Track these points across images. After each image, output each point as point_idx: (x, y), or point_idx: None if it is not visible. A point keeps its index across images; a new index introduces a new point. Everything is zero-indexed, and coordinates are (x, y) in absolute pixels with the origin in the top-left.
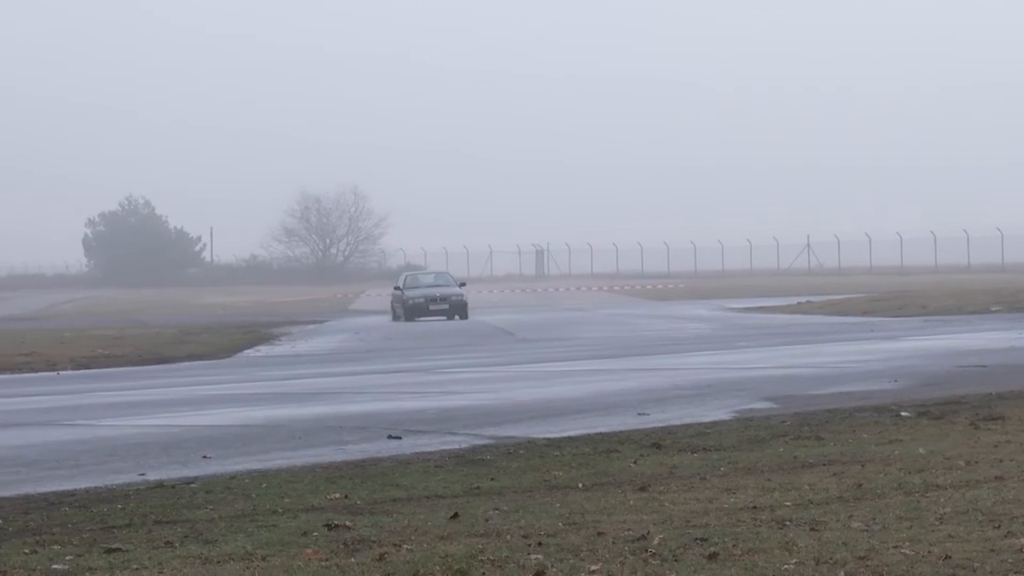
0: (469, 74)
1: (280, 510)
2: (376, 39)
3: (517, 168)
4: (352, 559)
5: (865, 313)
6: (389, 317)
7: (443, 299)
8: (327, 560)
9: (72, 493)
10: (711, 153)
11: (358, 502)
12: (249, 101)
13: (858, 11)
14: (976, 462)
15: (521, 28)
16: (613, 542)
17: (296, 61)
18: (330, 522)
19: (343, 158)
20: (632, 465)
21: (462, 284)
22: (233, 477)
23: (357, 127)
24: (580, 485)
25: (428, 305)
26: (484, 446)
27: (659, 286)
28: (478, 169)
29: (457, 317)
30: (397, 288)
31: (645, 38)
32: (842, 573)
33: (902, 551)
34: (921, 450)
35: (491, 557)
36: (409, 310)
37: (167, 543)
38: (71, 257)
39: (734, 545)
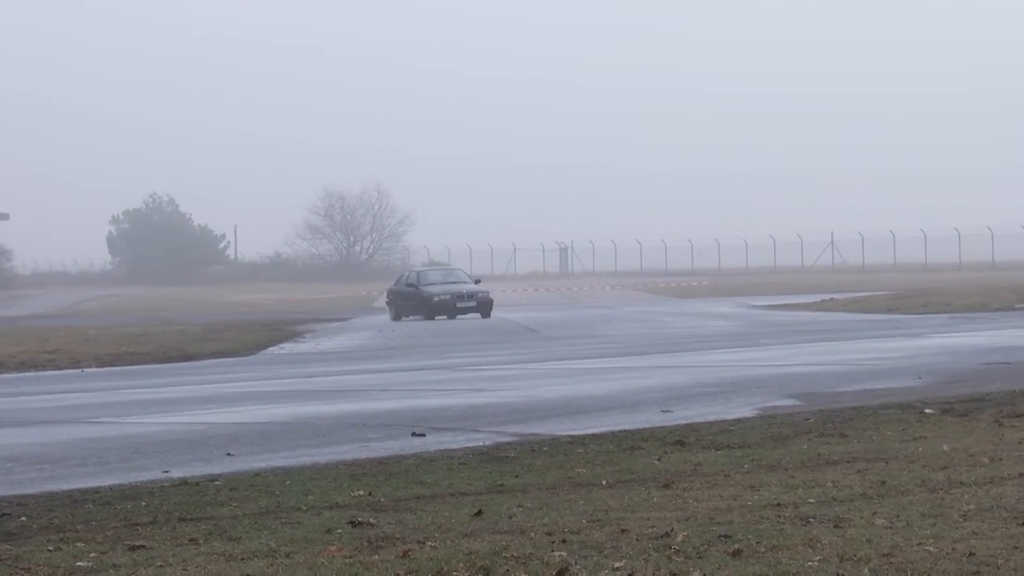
0: (492, 80)
1: (304, 507)
2: (397, 44)
3: (541, 167)
4: (376, 556)
5: (889, 310)
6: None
7: (470, 296)
8: (351, 557)
9: (96, 490)
10: (734, 153)
11: (382, 499)
12: (274, 103)
13: (882, 15)
14: (1000, 459)
15: (542, 35)
16: (637, 539)
17: (322, 67)
18: (354, 519)
19: (366, 157)
20: (656, 462)
21: (477, 281)
22: (257, 474)
23: (380, 128)
24: (604, 482)
25: (456, 303)
26: (508, 443)
27: (683, 283)
28: (501, 168)
29: (479, 315)
30: (411, 285)
31: (664, 46)
32: (866, 570)
33: (926, 548)
34: (945, 447)
35: (515, 554)
36: (433, 308)
37: (191, 540)
38: (95, 255)
39: (758, 542)
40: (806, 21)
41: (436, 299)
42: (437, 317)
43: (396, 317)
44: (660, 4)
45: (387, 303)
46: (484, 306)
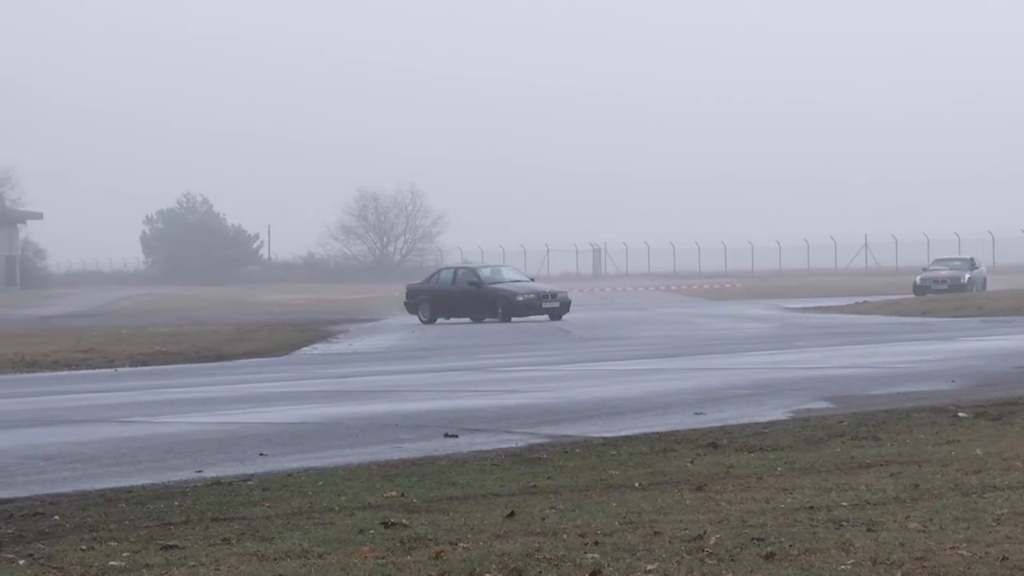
0: (526, 85)
1: (337, 508)
2: (433, 52)
3: (574, 172)
4: (408, 557)
5: (923, 313)
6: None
7: (553, 296)
8: (383, 558)
9: (129, 490)
10: (767, 157)
11: (415, 500)
12: (311, 106)
13: (902, 22)
14: None
15: (575, 43)
16: (670, 541)
17: (358, 73)
18: (387, 520)
19: (401, 159)
20: (689, 464)
21: (532, 279)
22: (290, 475)
23: (414, 131)
24: (637, 484)
25: (541, 302)
26: (541, 445)
27: (716, 286)
28: (535, 171)
29: (557, 317)
30: (473, 283)
31: (696, 55)
32: (899, 574)
33: (959, 552)
34: (979, 451)
35: (547, 556)
36: (512, 308)
37: (224, 540)
38: (129, 254)
39: (791, 545)
40: (832, 31)
41: (520, 298)
42: (515, 319)
43: (430, 319)
44: (697, 16)
45: (411, 304)
46: (565, 306)
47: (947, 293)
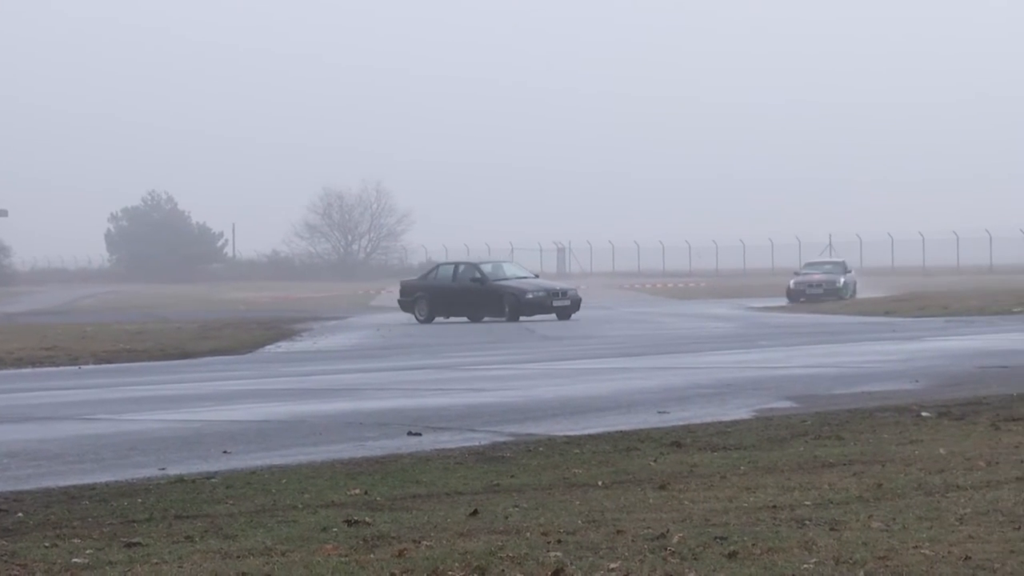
0: (491, 84)
1: (300, 506)
2: (396, 51)
3: (538, 170)
4: (371, 555)
5: (887, 313)
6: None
7: (563, 293)
8: (346, 556)
9: (93, 487)
10: (732, 158)
11: (378, 498)
12: (275, 107)
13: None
14: (997, 463)
15: (540, 41)
16: (632, 540)
17: (323, 74)
18: (350, 518)
19: (366, 159)
20: (652, 463)
21: (536, 276)
22: (253, 472)
23: (379, 131)
24: (600, 483)
25: (552, 300)
26: (504, 443)
27: (681, 284)
28: (500, 171)
29: (566, 317)
30: (476, 280)
31: (660, 54)
32: (862, 573)
33: (922, 551)
34: (942, 450)
35: (510, 554)
36: (521, 307)
37: (187, 537)
38: (94, 252)
39: (753, 544)
40: (807, 31)
41: (529, 296)
42: (523, 318)
43: (427, 318)
44: (656, 12)
45: (406, 302)
46: (576, 304)
47: (823, 298)
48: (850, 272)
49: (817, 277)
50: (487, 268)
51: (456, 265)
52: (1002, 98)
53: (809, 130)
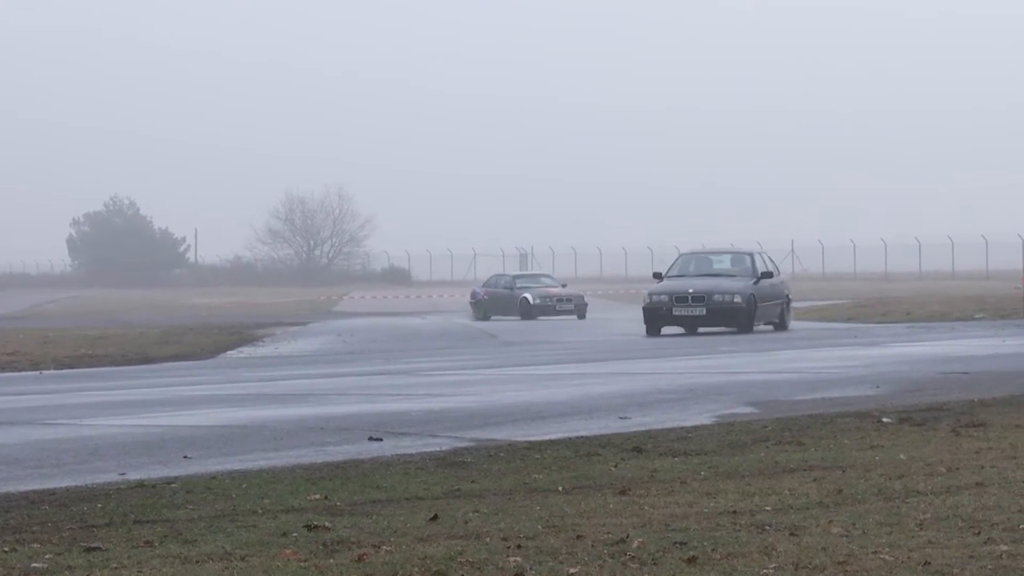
0: (457, 94)
1: (260, 511)
2: (359, 58)
3: (501, 177)
4: (331, 560)
5: (849, 319)
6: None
7: (568, 300)
8: (306, 561)
9: (52, 492)
10: (698, 166)
11: (338, 503)
12: (235, 110)
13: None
14: (957, 468)
15: (504, 51)
16: (592, 545)
17: (287, 79)
18: (310, 523)
19: (328, 165)
20: (613, 469)
21: (564, 284)
22: (214, 477)
23: (342, 137)
24: (560, 488)
25: (555, 306)
26: (465, 448)
27: (643, 290)
28: (461, 177)
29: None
30: (507, 288)
31: (634, 61)
32: None
33: (881, 557)
34: (902, 456)
35: (470, 559)
36: (529, 310)
37: (147, 542)
38: (56, 257)
39: (713, 549)
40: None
41: (536, 301)
42: (541, 318)
43: (483, 317)
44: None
45: (473, 303)
46: (581, 310)
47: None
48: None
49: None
50: (519, 278)
51: (501, 276)
52: (979, 114)
53: (778, 138)
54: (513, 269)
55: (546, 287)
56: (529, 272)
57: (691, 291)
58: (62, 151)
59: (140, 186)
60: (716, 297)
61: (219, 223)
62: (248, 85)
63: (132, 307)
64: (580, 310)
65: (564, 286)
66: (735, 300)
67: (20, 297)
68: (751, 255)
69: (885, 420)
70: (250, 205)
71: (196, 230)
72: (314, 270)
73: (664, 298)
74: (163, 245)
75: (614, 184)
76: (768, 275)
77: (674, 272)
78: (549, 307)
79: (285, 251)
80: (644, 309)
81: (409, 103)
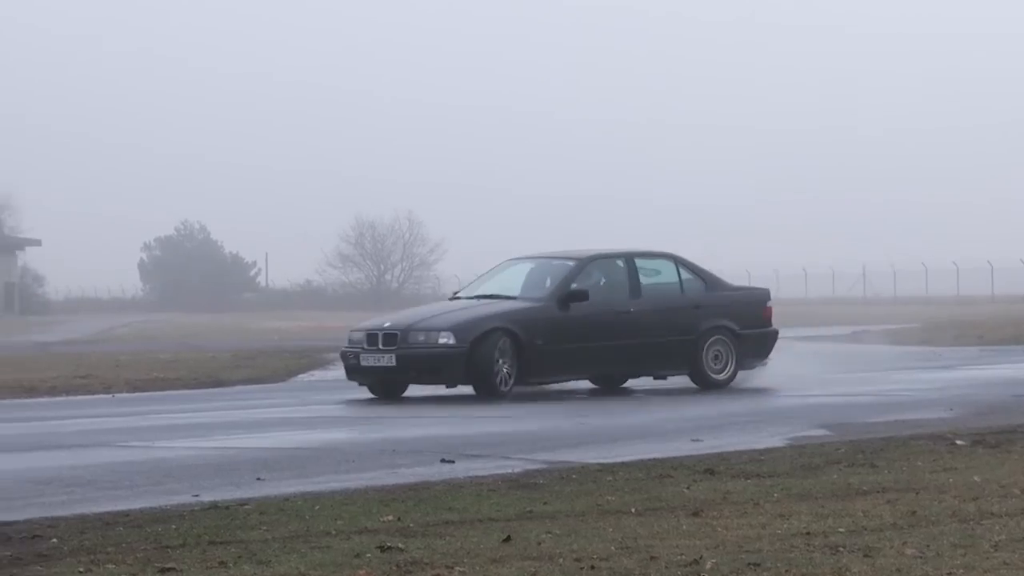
0: (527, 113)
1: (333, 531)
2: (427, 82)
3: (576, 196)
4: None
5: (921, 342)
6: None
7: None
8: None
9: (127, 513)
10: (771, 183)
11: (411, 524)
12: (304, 133)
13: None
14: None
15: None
16: (666, 566)
17: (359, 103)
18: (383, 544)
19: (395, 186)
20: (685, 490)
21: None
22: (287, 499)
23: (412, 160)
24: (633, 510)
25: None
26: (537, 470)
27: None
28: (532, 198)
29: None
30: None
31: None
32: None
33: None
34: (976, 478)
35: None
36: None
37: (221, 563)
38: (127, 281)
39: (787, 570)
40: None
41: None
42: None
43: None
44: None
45: None
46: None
47: None
48: None
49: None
50: None
51: None
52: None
53: (842, 157)
54: None
55: None
56: None
57: (387, 326)
58: (133, 175)
59: (211, 210)
60: (414, 336)
61: (289, 248)
62: (317, 108)
63: (203, 331)
64: None
65: None
66: (439, 341)
67: (92, 321)
68: (591, 259)
69: (959, 442)
70: (320, 229)
71: (267, 254)
72: (384, 294)
73: (360, 336)
74: (234, 269)
75: (679, 206)
76: (582, 295)
77: (473, 290)
78: None
79: (355, 275)
80: (341, 354)
81: (479, 125)
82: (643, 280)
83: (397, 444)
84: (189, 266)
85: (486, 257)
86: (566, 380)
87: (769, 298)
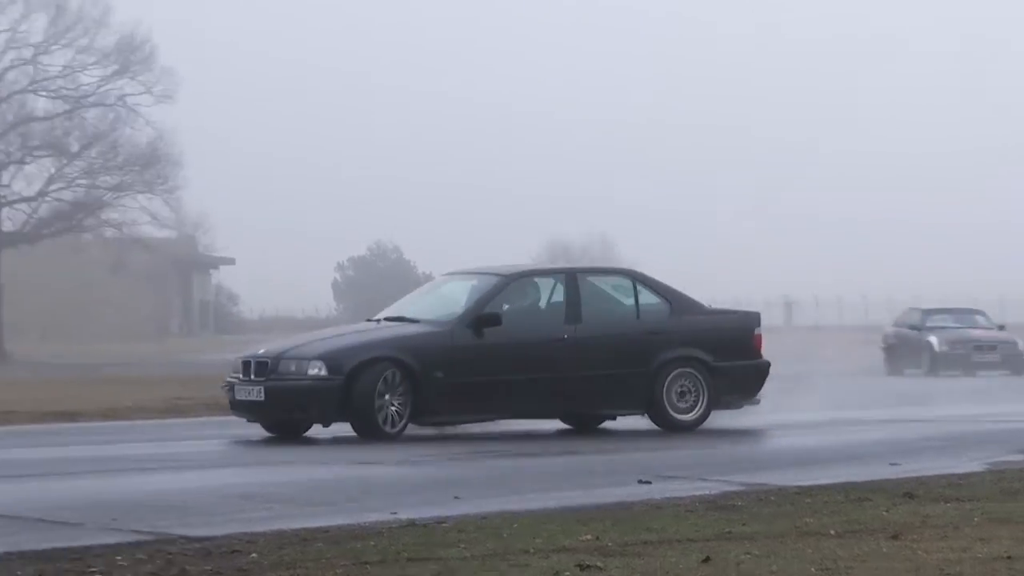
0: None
1: (531, 550)
2: (621, 99)
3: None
4: None
5: None
6: None
7: (991, 347)
8: None
9: (326, 529)
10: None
11: (609, 544)
12: (501, 154)
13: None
14: None
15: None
16: None
17: (549, 125)
18: (582, 563)
19: (586, 203)
20: (884, 513)
21: (1001, 327)
22: (484, 517)
23: (605, 177)
24: (832, 532)
25: (971, 356)
26: (735, 492)
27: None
28: (726, 223)
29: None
30: (913, 328)
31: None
32: None
33: None
34: None
35: None
36: (937, 359)
37: None
38: (321, 301)
39: None
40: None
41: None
42: (943, 373)
43: (893, 371)
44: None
45: (884, 349)
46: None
47: None
48: None
49: None
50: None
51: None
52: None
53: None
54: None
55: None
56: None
57: (261, 352)
58: (327, 195)
59: (403, 230)
60: (284, 366)
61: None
62: (505, 126)
63: None
64: (1013, 362)
65: (1002, 328)
66: (309, 372)
67: (287, 340)
68: (516, 276)
69: None
70: (511, 249)
71: None
72: None
73: (239, 364)
74: None
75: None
76: (494, 319)
77: (391, 311)
78: (962, 357)
79: None
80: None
81: (667, 143)
82: (586, 302)
83: (593, 464)
84: (382, 286)
85: (677, 279)
86: (475, 420)
87: (759, 324)
